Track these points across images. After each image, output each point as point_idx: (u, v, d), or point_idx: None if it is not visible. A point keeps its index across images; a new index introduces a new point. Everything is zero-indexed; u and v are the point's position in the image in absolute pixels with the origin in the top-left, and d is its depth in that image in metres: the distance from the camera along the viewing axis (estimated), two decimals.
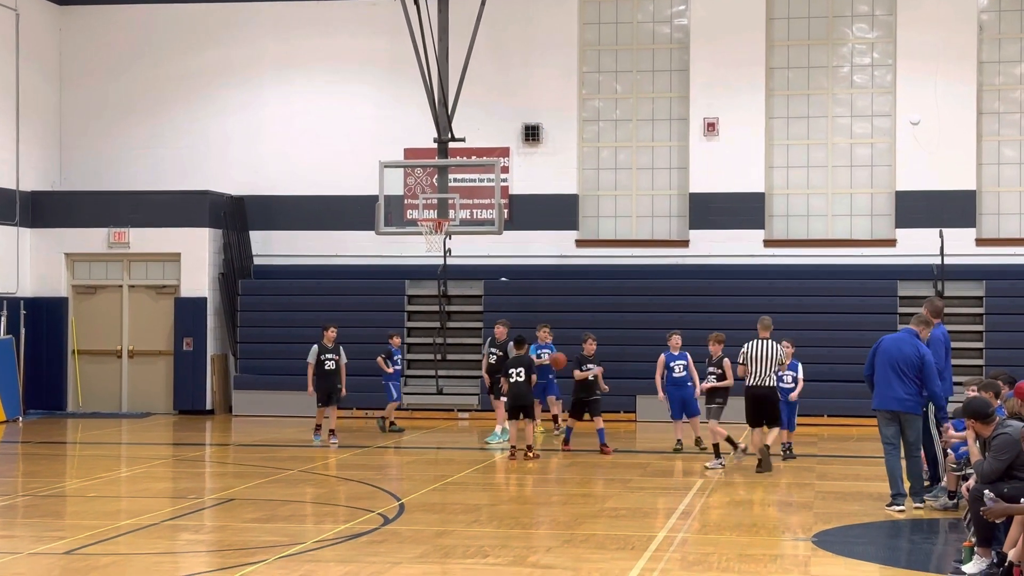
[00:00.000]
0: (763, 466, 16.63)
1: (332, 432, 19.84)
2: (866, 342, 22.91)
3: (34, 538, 12.19)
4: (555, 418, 21.18)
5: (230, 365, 25.68)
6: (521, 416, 18.08)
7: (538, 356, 19.82)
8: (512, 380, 18.07)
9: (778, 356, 17.07)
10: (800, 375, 18.11)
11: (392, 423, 21.74)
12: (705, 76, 25.11)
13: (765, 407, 16.98)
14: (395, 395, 21.72)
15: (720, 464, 17.16)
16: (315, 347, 19.97)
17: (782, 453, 17.80)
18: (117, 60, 26.94)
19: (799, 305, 23.70)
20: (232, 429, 23.21)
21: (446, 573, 10.78)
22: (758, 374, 16.93)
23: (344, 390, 20.18)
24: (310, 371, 19.91)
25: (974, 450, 10.99)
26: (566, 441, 19.17)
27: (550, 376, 20.38)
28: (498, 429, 20.07)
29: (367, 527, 12.68)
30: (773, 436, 17.25)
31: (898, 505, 13.67)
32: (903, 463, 13.88)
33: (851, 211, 25.05)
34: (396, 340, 22.02)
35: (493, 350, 20.30)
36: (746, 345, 17.14)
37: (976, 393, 12.23)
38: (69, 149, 26.94)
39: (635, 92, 25.73)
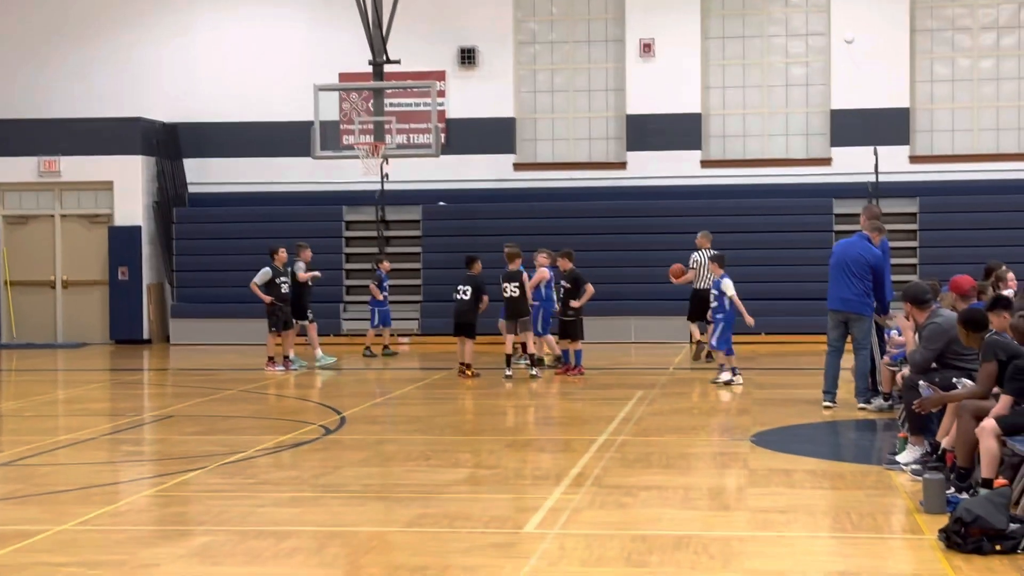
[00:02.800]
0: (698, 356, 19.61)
1: (287, 358, 19.42)
2: (802, 260, 23.47)
3: None
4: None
5: (167, 294, 25.45)
6: (462, 334, 18.07)
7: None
8: (457, 298, 18.04)
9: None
10: (728, 291, 16.35)
11: (386, 347, 21.43)
12: None
13: (705, 306, 18.20)
14: (376, 321, 21.33)
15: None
16: (267, 269, 19.32)
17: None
18: None
19: (736, 224, 23.76)
20: (170, 356, 23.04)
21: (387, 475, 10.80)
22: (703, 279, 19.15)
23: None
24: (256, 289, 19.20)
25: (910, 337, 11.14)
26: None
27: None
28: (319, 352, 19.87)
29: (308, 437, 12.66)
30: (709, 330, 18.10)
31: (827, 401, 14.06)
32: (844, 366, 14.16)
33: (787, 131, 25.15)
34: (386, 265, 21.73)
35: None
36: (694, 254, 19.66)
37: None
38: None
39: (571, 14, 25.59)
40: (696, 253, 19.58)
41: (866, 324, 13.97)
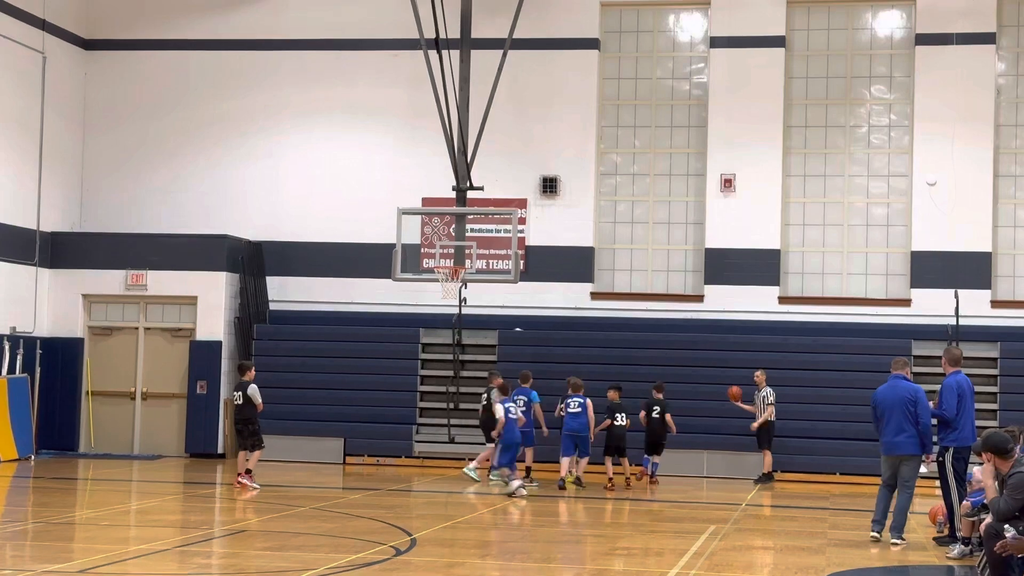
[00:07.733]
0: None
1: (248, 472, 19.27)
2: None
3: (47, 559, 12.20)
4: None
5: None
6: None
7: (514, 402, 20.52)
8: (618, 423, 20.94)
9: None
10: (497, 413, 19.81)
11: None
12: (723, 133, 25.28)
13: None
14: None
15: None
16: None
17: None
18: (140, 105, 27.21)
19: (813, 362, 23.69)
20: None
21: None
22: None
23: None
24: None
25: (990, 485, 10.95)
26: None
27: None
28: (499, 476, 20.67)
29: (379, 557, 12.65)
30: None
31: (875, 531, 14.55)
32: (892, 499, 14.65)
33: (866, 270, 25.09)
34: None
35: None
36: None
37: None
38: (90, 191, 27.16)
39: (653, 147, 25.90)
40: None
41: (917, 463, 14.50)
